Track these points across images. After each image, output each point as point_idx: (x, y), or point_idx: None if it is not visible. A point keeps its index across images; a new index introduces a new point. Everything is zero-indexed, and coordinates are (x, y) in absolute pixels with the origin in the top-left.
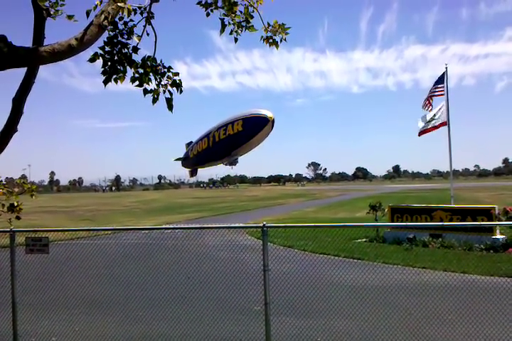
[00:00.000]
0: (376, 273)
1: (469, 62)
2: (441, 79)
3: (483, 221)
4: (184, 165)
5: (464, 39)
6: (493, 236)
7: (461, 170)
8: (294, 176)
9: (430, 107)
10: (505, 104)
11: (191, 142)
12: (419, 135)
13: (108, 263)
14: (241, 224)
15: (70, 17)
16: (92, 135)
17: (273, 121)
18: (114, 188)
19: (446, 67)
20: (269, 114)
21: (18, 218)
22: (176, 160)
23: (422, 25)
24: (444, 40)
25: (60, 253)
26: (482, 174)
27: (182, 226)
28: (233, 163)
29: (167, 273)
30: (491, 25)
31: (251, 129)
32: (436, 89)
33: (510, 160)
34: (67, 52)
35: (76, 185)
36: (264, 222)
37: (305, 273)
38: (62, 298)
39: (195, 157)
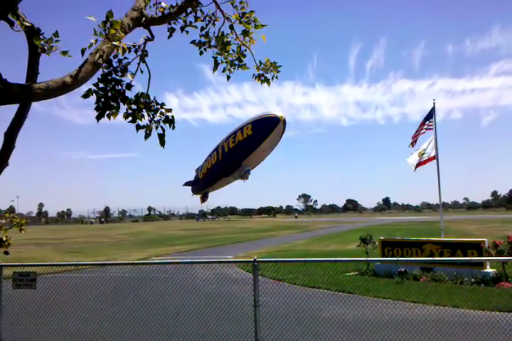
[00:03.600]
0: (368, 308)
1: (456, 97)
2: (429, 115)
3: (473, 254)
4: (194, 190)
5: (451, 74)
6: (484, 270)
7: (450, 203)
8: (284, 208)
9: (414, 144)
10: (492, 137)
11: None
12: (414, 169)
13: (96, 297)
14: (232, 258)
15: (64, 53)
16: (81, 166)
17: (284, 121)
18: (103, 220)
19: (434, 103)
20: (279, 113)
21: (6, 253)
22: (185, 185)
23: (409, 60)
24: (431, 75)
25: (48, 287)
26: (471, 207)
27: (172, 260)
28: (245, 175)
29: (156, 307)
30: (476, 61)
31: (261, 131)
32: (424, 126)
33: (498, 193)
34: (61, 89)
35: (64, 217)
36: (255, 257)
37: (296, 307)
38: (49, 333)
39: (205, 176)
